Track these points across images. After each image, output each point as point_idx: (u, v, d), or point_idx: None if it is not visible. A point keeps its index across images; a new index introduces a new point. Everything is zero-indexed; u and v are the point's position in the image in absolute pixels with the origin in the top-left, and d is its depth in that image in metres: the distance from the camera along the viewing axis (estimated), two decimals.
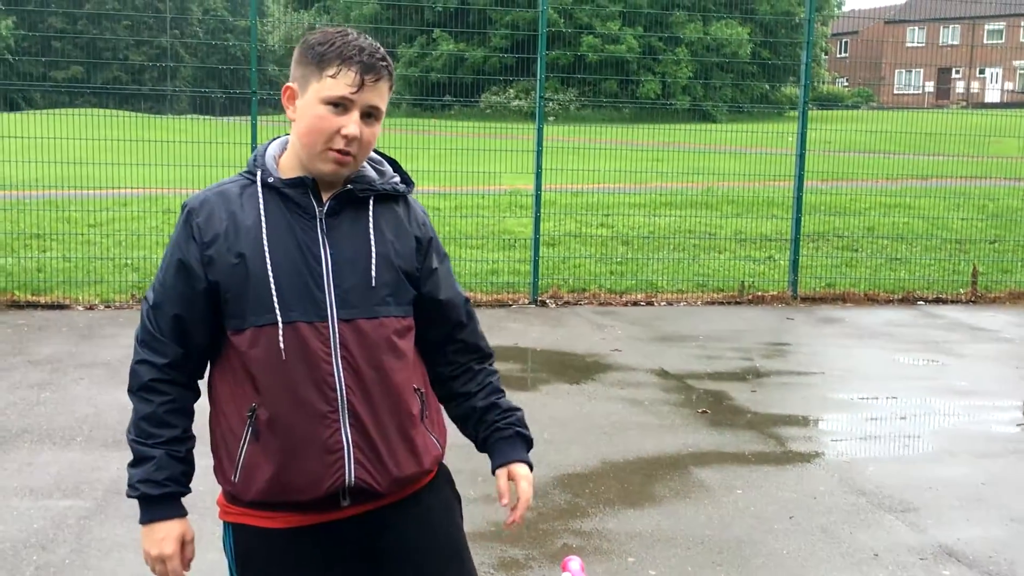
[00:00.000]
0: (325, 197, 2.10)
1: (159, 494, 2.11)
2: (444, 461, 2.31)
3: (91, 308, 9.21)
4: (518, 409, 2.33)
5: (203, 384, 2.21)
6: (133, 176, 9.84)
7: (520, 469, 2.27)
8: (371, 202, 2.14)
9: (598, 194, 13.13)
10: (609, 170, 12.03)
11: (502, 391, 2.34)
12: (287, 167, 2.13)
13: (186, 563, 2.18)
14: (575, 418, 6.26)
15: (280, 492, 2.07)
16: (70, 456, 5.38)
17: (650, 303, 10.17)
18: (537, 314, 9.53)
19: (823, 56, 28.86)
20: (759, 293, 10.46)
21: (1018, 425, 6.50)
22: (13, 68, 15.53)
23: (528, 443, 2.32)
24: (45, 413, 6.10)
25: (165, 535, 2.12)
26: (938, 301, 10.66)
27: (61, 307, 9.18)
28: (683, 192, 13.49)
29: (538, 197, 10.14)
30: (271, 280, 2.04)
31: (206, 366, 2.17)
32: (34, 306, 9.16)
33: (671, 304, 10.18)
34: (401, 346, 2.14)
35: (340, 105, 2.03)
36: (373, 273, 2.09)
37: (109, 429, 5.81)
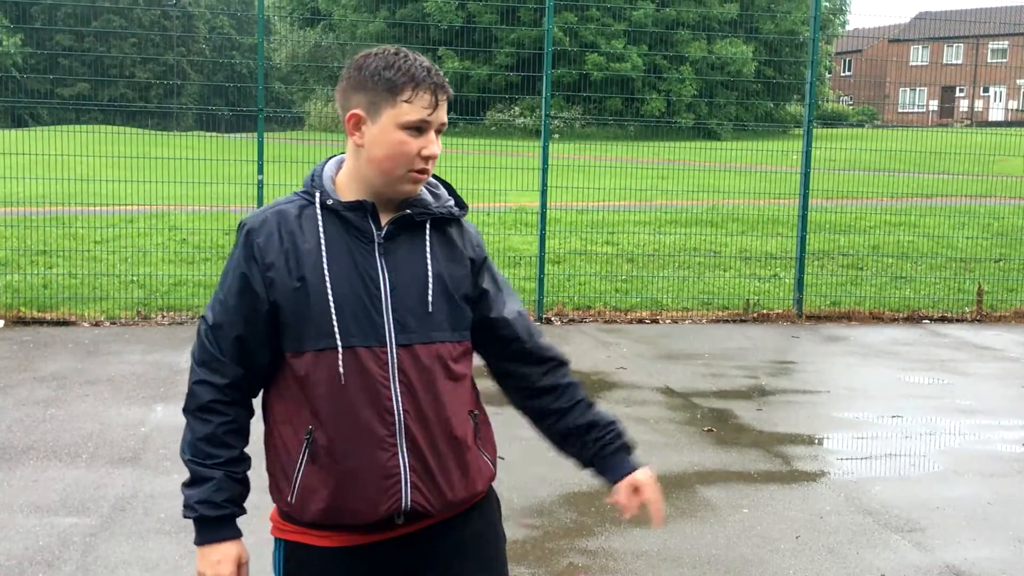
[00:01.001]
0: (383, 221, 2.10)
1: (217, 516, 2.10)
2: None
3: (97, 325, 9.23)
4: (615, 420, 2.34)
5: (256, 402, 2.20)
6: (139, 193, 9.87)
7: (640, 476, 2.31)
8: (428, 226, 2.14)
9: (603, 212, 13.14)
10: (614, 188, 12.05)
11: (593, 403, 2.33)
12: (344, 188, 2.12)
13: None
14: None
15: (337, 515, 2.07)
16: (76, 473, 5.38)
17: (655, 321, 10.17)
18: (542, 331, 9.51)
19: (827, 75, 28.92)
20: (764, 311, 10.45)
21: None
22: (20, 85, 15.62)
23: (633, 448, 2.33)
24: (51, 430, 6.10)
25: (222, 557, 2.12)
26: (943, 320, 10.65)
27: (67, 324, 9.19)
28: (688, 210, 13.50)
29: (543, 215, 10.16)
30: (331, 305, 2.03)
31: (263, 384, 2.16)
32: (40, 322, 9.17)
33: (676, 322, 10.18)
34: (457, 370, 2.14)
35: (419, 128, 2.05)
36: (430, 299, 2.10)
37: (115, 446, 5.82)
